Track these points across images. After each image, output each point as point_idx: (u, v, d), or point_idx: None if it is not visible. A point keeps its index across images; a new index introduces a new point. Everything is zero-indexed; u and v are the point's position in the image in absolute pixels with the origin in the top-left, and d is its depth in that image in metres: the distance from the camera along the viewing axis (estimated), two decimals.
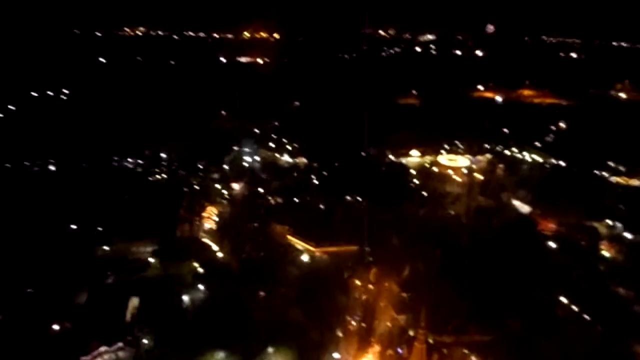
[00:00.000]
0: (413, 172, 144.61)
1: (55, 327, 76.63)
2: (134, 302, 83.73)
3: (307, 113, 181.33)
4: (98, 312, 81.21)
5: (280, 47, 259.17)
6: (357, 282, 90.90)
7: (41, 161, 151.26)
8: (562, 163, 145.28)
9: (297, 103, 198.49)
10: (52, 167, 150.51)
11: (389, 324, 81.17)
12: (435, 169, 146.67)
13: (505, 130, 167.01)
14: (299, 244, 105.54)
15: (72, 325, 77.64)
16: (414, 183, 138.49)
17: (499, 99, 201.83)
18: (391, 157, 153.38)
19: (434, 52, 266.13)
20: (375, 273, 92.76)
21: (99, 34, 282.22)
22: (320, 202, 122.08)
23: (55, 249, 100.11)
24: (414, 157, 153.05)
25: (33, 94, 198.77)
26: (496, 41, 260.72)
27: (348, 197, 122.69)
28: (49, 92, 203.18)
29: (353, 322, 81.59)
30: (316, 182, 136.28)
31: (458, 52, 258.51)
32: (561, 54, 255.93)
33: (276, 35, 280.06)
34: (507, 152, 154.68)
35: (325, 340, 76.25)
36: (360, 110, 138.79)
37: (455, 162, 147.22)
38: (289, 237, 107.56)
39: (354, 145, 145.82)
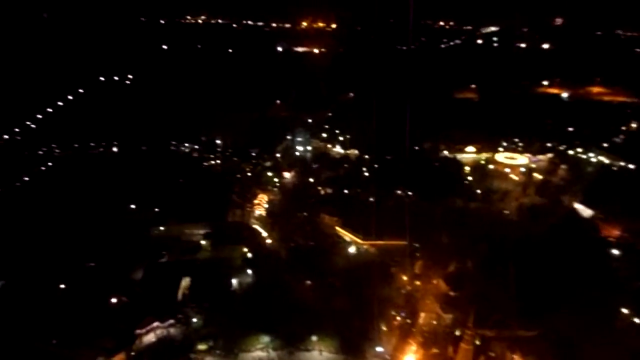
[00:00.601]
0: (467, 168, 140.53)
1: (114, 300, 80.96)
2: (186, 282, 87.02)
3: (361, 104, 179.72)
4: (152, 289, 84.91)
5: (336, 37, 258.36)
6: (404, 277, 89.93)
7: (105, 143, 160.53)
8: (631, 166, 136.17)
9: (351, 94, 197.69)
10: (115, 149, 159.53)
11: (434, 321, 79.86)
12: (491, 166, 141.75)
13: (570, 128, 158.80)
14: (347, 236, 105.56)
15: (128, 300, 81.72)
16: (468, 180, 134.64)
17: (565, 95, 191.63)
18: (445, 152, 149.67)
19: (496, 44, 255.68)
20: (422, 269, 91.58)
21: (162, 22, 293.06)
22: (370, 194, 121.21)
23: (115, 227, 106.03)
24: (470, 154, 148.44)
25: (101, 78, 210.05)
26: (564, 34, 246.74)
27: (398, 191, 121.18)
28: (115, 77, 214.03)
29: (398, 317, 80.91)
30: (367, 174, 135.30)
31: (522, 45, 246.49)
32: (637, 50, 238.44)
33: (333, 25, 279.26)
34: (570, 152, 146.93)
35: (368, 332, 76.11)
36: (416, 103, 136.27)
37: (513, 160, 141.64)
38: (338, 228, 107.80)
39: (407, 139, 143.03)
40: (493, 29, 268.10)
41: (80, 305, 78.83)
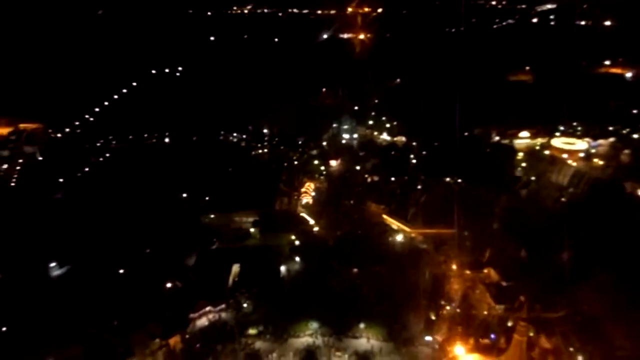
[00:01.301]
0: (521, 154, 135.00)
1: (168, 284, 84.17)
2: (236, 268, 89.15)
3: (408, 90, 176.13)
4: (204, 274, 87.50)
5: (383, 22, 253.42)
6: (453, 266, 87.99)
7: (158, 134, 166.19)
8: None
9: (398, 80, 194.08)
10: (167, 140, 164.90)
11: (485, 311, 77.77)
12: (547, 152, 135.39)
13: (635, 110, 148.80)
14: (394, 224, 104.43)
15: (182, 285, 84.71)
16: (521, 167, 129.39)
17: (629, 75, 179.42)
18: (497, 137, 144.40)
19: (553, 23, 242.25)
20: (473, 258, 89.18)
21: (209, 14, 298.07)
22: (418, 182, 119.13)
23: (168, 215, 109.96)
24: (524, 139, 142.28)
25: (152, 71, 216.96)
26: (628, 10, 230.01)
27: (447, 179, 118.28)
28: (165, 70, 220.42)
29: (447, 307, 79.43)
30: (415, 161, 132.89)
31: (582, 23, 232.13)
32: None
33: (379, 10, 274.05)
34: (635, 135, 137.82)
35: (417, 322, 75.24)
36: (465, 87, 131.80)
37: (571, 145, 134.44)
38: (385, 216, 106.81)
39: (456, 125, 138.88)
40: (550, 6, 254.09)
41: (137, 289, 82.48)
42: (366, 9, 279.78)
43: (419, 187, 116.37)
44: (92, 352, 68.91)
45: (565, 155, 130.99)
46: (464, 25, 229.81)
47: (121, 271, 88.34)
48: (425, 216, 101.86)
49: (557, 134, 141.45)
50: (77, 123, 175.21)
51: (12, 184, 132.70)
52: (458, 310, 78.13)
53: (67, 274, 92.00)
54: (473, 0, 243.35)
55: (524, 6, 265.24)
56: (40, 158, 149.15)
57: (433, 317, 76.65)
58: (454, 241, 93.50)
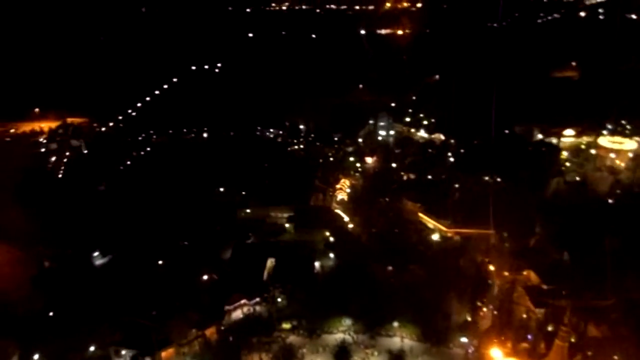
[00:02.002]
0: (565, 153, 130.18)
1: (205, 276, 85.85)
2: (271, 262, 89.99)
3: (447, 87, 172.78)
4: (240, 268, 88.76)
5: (422, 17, 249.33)
6: (491, 267, 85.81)
7: (197, 129, 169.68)
8: None
9: (436, 76, 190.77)
10: (205, 135, 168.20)
11: (524, 315, 75.52)
12: (593, 151, 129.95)
13: None
14: (431, 222, 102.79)
15: (218, 277, 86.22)
16: (565, 166, 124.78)
17: None
18: (540, 135, 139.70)
19: (601, 17, 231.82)
20: (512, 259, 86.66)
21: (248, 10, 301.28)
22: (455, 180, 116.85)
23: (205, 209, 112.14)
24: (568, 137, 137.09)
25: (192, 67, 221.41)
26: None
27: (486, 177, 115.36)
28: (205, 66, 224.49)
29: (484, 308, 77.60)
30: (452, 159, 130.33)
31: (633, 17, 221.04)
32: None
33: (419, 5, 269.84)
34: None
35: (452, 322, 73.88)
36: (507, 83, 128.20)
37: (619, 145, 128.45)
38: (421, 214, 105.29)
39: (497, 122, 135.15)
40: None
41: (175, 280, 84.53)
42: (405, 4, 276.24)
43: (457, 185, 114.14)
44: (131, 339, 71.17)
45: (613, 155, 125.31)
46: (507, 19, 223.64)
47: (160, 262, 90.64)
48: (462, 215, 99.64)
49: (605, 132, 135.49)
50: (120, 118, 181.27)
51: (60, 176, 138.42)
52: (495, 312, 76.16)
53: (109, 263, 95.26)
54: None
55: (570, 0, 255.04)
56: (86, 151, 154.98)
57: (469, 318, 75.02)
58: (492, 242, 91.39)
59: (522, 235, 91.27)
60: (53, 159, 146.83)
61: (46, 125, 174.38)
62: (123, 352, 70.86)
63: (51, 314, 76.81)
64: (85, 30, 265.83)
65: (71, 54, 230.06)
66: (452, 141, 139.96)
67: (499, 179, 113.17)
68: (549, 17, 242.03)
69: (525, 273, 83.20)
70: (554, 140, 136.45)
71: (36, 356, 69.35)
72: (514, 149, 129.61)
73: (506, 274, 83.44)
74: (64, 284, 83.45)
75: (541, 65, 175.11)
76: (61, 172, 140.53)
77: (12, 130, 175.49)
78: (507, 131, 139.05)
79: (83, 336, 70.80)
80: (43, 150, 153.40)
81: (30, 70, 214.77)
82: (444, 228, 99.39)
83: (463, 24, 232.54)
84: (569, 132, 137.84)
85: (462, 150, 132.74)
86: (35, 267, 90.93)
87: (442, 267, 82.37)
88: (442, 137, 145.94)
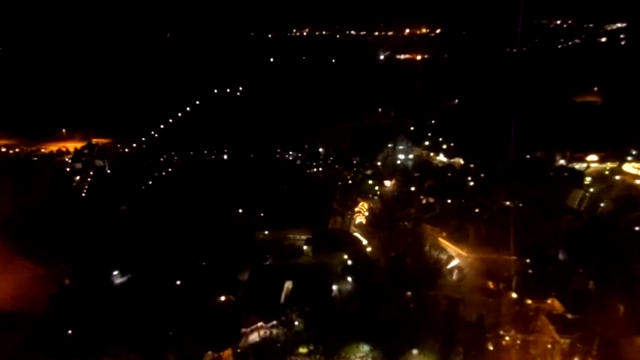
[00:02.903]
0: (588, 179, 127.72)
1: (222, 298, 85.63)
2: (288, 285, 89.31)
3: (466, 111, 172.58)
4: (257, 290, 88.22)
5: (441, 42, 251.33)
6: (513, 295, 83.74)
7: (217, 151, 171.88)
8: None
9: (456, 101, 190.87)
10: (225, 157, 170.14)
11: (548, 345, 73.12)
12: (617, 177, 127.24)
13: None
14: (451, 247, 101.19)
15: (235, 299, 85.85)
16: (589, 192, 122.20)
17: None
18: (562, 161, 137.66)
19: (623, 42, 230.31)
20: (534, 287, 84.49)
21: (270, 36, 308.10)
22: (476, 205, 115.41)
23: (223, 229, 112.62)
24: (591, 163, 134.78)
25: (214, 90, 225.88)
26: None
27: (507, 202, 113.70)
28: (227, 90, 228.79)
29: (506, 337, 75.41)
30: (472, 184, 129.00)
31: None
32: None
33: (438, 31, 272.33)
34: None
35: (473, 351, 71.90)
36: (528, 108, 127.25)
37: None
38: (440, 239, 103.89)
39: (517, 147, 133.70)
40: (620, 25, 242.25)
41: (192, 301, 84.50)
42: (424, 30, 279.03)
43: (477, 210, 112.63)
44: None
45: (638, 182, 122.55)
46: (527, 45, 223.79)
47: (178, 282, 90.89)
48: (483, 241, 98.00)
49: (629, 158, 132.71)
50: (143, 139, 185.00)
51: (83, 195, 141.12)
52: (518, 341, 73.95)
53: (128, 283, 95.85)
54: (536, 20, 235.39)
55: (591, 25, 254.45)
56: (109, 171, 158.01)
57: (491, 347, 72.96)
58: (514, 268, 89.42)
59: (545, 261, 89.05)
60: (77, 178, 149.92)
61: (72, 145, 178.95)
62: None
63: (69, 332, 77.19)
64: (112, 54, 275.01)
65: (98, 77, 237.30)
66: (472, 166, 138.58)
67: (520, 205, 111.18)
68: (570, 43, 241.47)
69: (549, 301, 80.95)
70: (577, 166, 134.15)
71: None
72: (535, 174, 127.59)
73: (529, 301, 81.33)
74: (83, 303, 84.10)
75: (563, 91, 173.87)
76: (85, 191, 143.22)
77: (40, 150, 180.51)
78: (528, 156, 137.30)
79: (101, 355, 70.85)
80: (68, 169, 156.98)
81: (58, 92, 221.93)
82: (464, 253, 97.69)
83: (482, 49, 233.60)
84: (591, 157, 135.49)
85: (482, 175, 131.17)
86: (56, 285, 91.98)
87: (462, 294, 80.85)
88: (462, 161, 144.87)
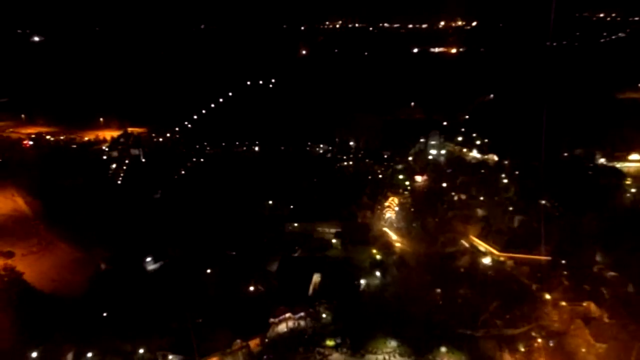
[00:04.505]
0: (629, 179, 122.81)
1: (251, 288, 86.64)
2: (317, 277, 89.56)
3: (502, 106, 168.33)
4: (286, 281, 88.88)
5: (477, 36, 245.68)
6: (547, 296, 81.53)
7: (249, 142, 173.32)
8: None
9: (491, 95, 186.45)
10: (256, 149, 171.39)
11: (583, 349, 70.92)
12: None
13: None
14: (482, 246, 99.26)
15: (264, 289, 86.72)
16: (630, 192, 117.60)
17: None
18: (602, 160, 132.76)
19: None
20: (569, 289, 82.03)
21: (302, 28, 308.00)
22: (509, 203, 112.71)
23: (253, 220, 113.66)
24: (634, 162, 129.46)
25: (247, 82, 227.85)
26: None
27: (543, 201, 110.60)
28: (259, 82, 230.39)
29: (539, 339, 73.58)
30: (506, 181, 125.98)
31: None
32: None
33: (474, 23, 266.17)
34: None
35: (503, 352, 70.51)
36: (567, 104, 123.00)
37: None
38: (471, 236, 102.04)
39: (555, 144, 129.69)
40: None
41: (222, 289, 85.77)
42: (459, 22, 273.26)
43: (511, 208, 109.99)
44: (178, 345, 72.53)
45: None
46: (567, 38, 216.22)
47: (208, 270, 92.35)
48: (517, 240, 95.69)
49: None
50: (177, 129, 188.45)
51: (119, 182, 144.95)
52: (551, 344, 72.05)
53: (160, 269, 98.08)
54: (578, 13, 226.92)
55: (636, 18, 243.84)
56: (144, 160, 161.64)
57: (522, 349, 71.36)
58: (549, 269, 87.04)
59: (582, 263, 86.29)
60: (114, 166, 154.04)
61: (109, 134, 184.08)
62: (170, 357, 72.25)
63: (105, 314, 79.65)
64: (147, 46, 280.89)
65: (134, 68, 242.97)
66: (507, 162, 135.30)
67: (557, 204, 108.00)
68: (613, 37, 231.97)
69: (585, 304, 78.50)
70: (618, 165, 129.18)
71: (89, 354, 72.01)
72: (573, 173, 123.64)
73: (563, 304, 79.07)
74: (118, 287, 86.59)
75: (605, 87, 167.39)
76: (120, 178, 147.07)
77: (79, 138, 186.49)
78: (566, 154, 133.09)
79: (133, 339, 72.91)
80: (105, 157, 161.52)
81: (97, 83, 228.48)
82: (496, 252, 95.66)
83: (520, 43, 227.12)
84: (634, 156, 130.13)
85: (517, 173, 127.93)
86: (93, 269, 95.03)
87: (493, 293, 79.24)
88: (496, 158, 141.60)
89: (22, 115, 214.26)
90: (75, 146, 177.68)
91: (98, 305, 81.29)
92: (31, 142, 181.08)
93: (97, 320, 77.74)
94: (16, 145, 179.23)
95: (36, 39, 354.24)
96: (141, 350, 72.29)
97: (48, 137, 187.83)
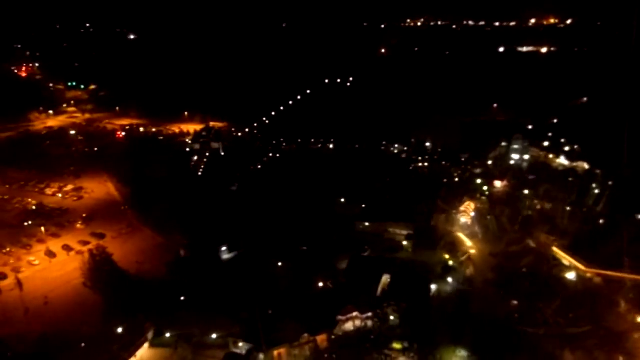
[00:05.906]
0: None
1: (320, 284, 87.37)
2: (386, 278, 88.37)
3: (595, 111, 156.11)
4: (355, 280, 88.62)
5: (571, 35, 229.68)
6: (637, 318, 74.45)
7: (324, 140, 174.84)
8: None
9: (584, 99, 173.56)
10: (331, 146, 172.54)
11: None
12: None
13: None
14: (567, 259, 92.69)
15: (333, 286, 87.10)
16: None
17: None
18: None
19: None
20: None
21: (383, 26, 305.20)
22: (601, 215, 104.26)
23: (325, 216, 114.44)
24: None
25: (325, 80, 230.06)
26: None
27: (639, 216, 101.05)
28: (338, 80, 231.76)
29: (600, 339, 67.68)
30: (598, 191, 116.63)
31: None
32: None
33: (568, 21, 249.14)
34: None
35: (564, 351, 65.71)
36: None
37: None
38: (555, 249, 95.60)
39: None
40: None
41: (293, 283, 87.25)
42: (552, 20, 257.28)
43: (601, 221, 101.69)
44: (249, 334, 74.84)
45: None
46: None
47: (280, 264, 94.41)
48: (606, 256, 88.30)
49: None
50: (255, 125, 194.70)
51: (200, 174, 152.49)
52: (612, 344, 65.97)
53: (234, 259, 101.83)
54: None
55: None
56: (223, 153, 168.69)
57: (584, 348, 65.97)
58: None
59: None
60: (195, 158, 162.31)
61: (192, 128, 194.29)
62: (240, 344, 74.75)
63: (182, 298, 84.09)
64: (230, 45, 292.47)
65: (218, 66, 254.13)
66: (599, 171, 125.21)
67: None
68: None
69: None
70: None
71: (167, 334, 76.54)
72: None
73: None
74: (195, 273, 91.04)
75: None
76: (201, 170, 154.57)
77: (164, 130, 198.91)
78: None
79: (207, 323, 76.34)
80: (187, 149, 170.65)
81: (183, 78, 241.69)
82: (582, 267, 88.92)
83: (619, 43, 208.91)
84: None
85: (610, 183, 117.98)
86: (172, 255, 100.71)
87: (577, 311, 73.83)
88: (587, 166, 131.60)
89: (117, 108, 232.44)
90: (162, 138, 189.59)
91: (176, 289, 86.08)
92: (124, 133, 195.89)
93: (175, 304, 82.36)
94: (110, 136, 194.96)
95: (132, 37, 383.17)
96: (214, 336, 75.59)
97: (141, 129, 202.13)
